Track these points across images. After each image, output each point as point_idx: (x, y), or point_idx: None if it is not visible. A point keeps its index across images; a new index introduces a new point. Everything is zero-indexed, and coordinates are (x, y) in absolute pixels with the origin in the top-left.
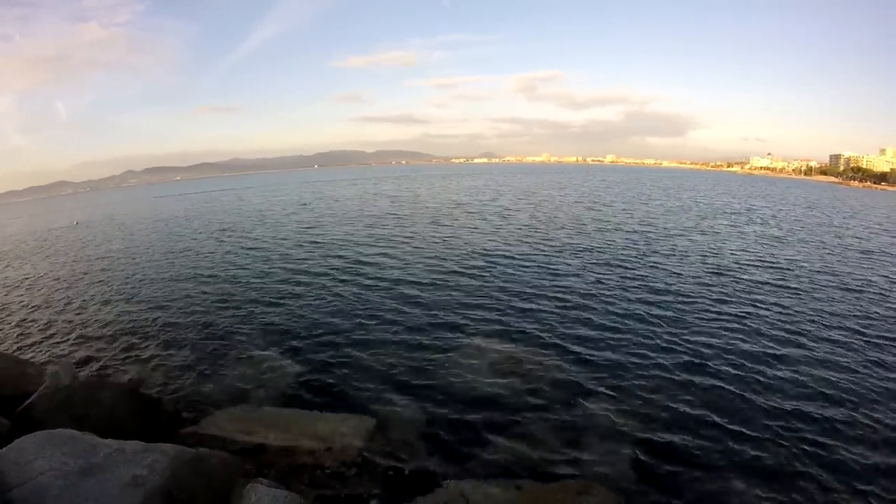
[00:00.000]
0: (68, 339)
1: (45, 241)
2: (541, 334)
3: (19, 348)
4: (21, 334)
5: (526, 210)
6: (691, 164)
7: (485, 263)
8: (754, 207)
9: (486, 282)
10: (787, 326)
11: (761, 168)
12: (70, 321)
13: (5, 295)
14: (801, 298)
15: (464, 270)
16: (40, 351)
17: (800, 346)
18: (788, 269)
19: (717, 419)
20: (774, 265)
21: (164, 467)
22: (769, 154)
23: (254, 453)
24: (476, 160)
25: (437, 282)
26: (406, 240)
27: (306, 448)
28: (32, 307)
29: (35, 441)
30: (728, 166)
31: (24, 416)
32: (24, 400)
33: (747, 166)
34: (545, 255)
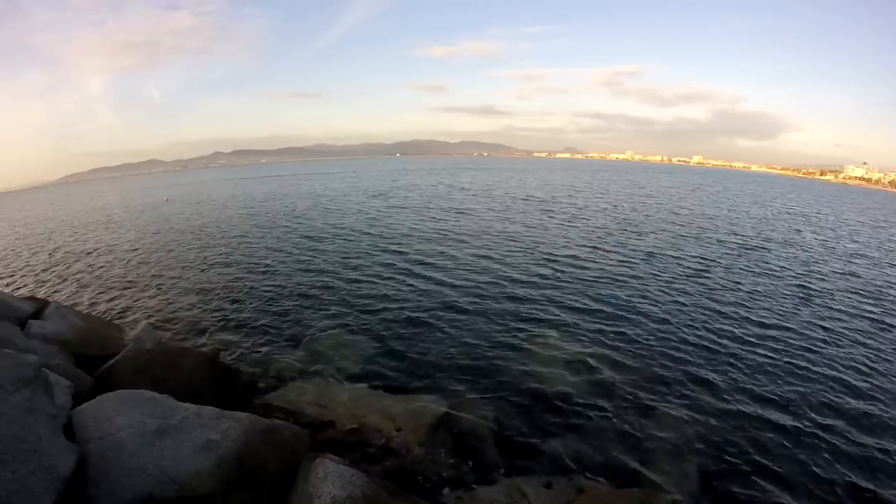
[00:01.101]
0: (153, 307)
1: (140, 215)
2: (617, 338)
3: (106, 311)
4: (109, 298)
5: (617, 208)
6: (781, 169)
7: (566, 262)
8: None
9: (565, 281)
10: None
11: (856, 178)
12: (156, 290)
13: (97, 260)
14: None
15: (544, 268)
16: (126, 315)
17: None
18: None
19: (797, 442)
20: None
21: (237, 435)
22: (865, 163)
23: (323, 428)
24: (558, 155)
25: (516, 277)
26: (488, 235)
27: (375, 427)
28: (122, 273)
29: (116, 398)
30: (821, 174)
31: (106, 376)
32: (107, 361)
33: (841, 175)
34: (629, 258)
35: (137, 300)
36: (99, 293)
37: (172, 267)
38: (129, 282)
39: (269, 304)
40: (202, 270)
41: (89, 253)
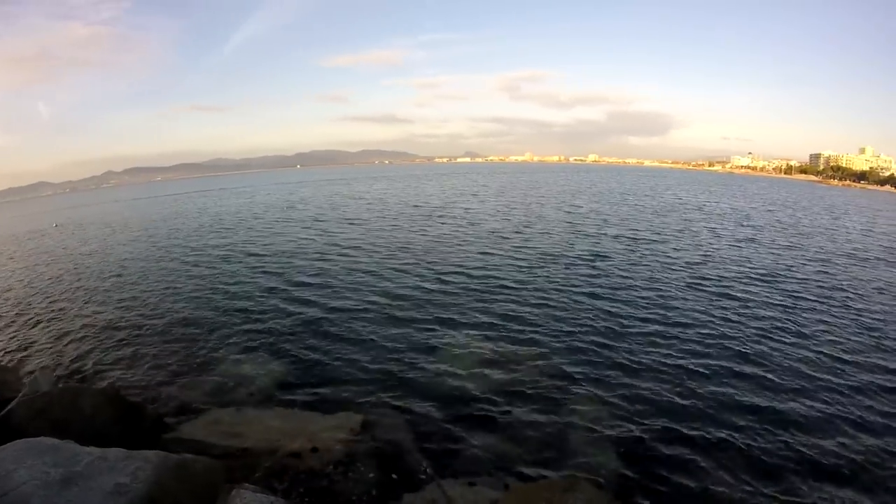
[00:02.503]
0: (47, 345)
1: (25, 243)
2: (524, 333)
3: None
4: None
5: (509, 209)
6: (672, 163)
7: (469, 263)
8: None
9: (470, 282)
10: (771, 318)
11: (742, 167)
12: (48, 326)
13: None
14: (775, 289)
15: (448, 271)
16: (19, 357)
17: (783, 337)
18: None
19: (703, 416)
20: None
21: (147, 475)
22: (750, 153)
23: (238, 457)
24: (459, 159)
25: (422, 282)
26: (395, 243)
27: (291, 449)
28: (8, 312)
29: (15, 450)
30: (709, 165)
31: (2, 424)
32: (2, 407)
33: (728, 165)
34: (530, 255)
35: (28, 340)
36: None
37: (64, 300)
38: (18, 320)
39: (169, 334)
40: (96, 302)
41: None
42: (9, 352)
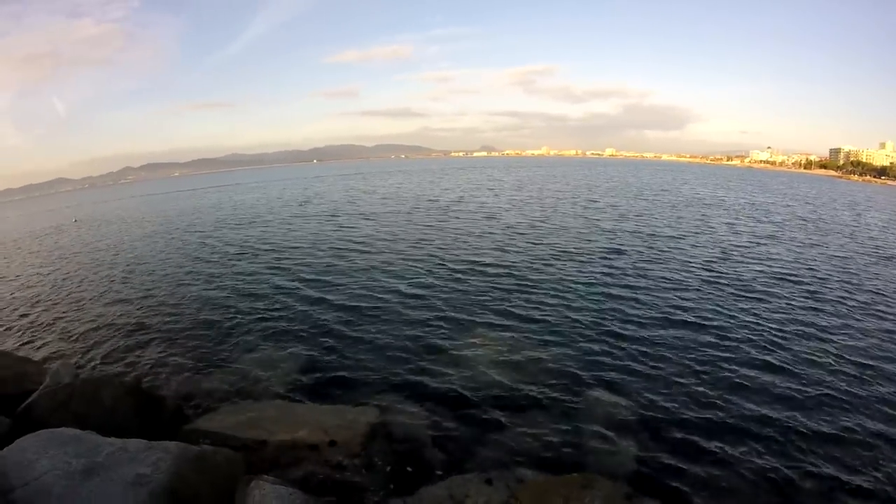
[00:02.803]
0: (69, 337)
1: (45, 239)
2: (541, 330)
3: (19, 346)
4: (21, 332)
5: (528, 204)
6: (690, 157)
7: (485, 259)
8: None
9: (486, 278)
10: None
11: (761, 162)
12: (70, 319)
13: (5, 293)
14: (796, 289)
15: (466, 267)
16: (41, 349)
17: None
18: (789, 264)
19: (720, 416)
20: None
21: (167, 466)
22: (769, 147)
23: (257, 449)
24: (476, 154)
25: (440, 278)
26: (408, 238)
27: (309, 442)
28: (32, 305)
29: (37, 440)
30: (728, 160)
31: (25, 415)
32: (24, 399)
33: (747, 160)
34: (546, 252)
35: (50, 332)
36: (7, 328)
37: (85, 294)
38: (40, 313)
39: (188, 327)
40: (116, 296)
41: None
42: (31, 343)
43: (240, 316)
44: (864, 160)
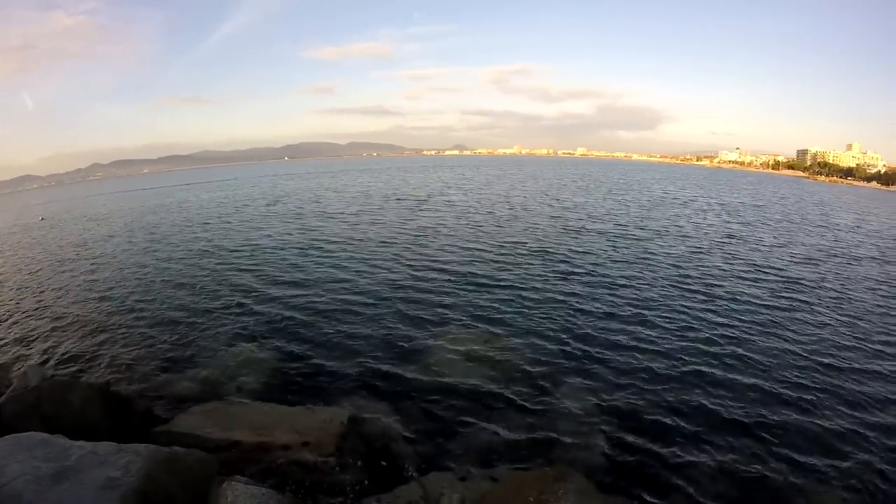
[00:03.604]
0: (35, 340)
1: (9, 237)
2: (514, 325)
3: None
4: None
5: (494, 203)
6: (661, 157)
7: (454, 258)
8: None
9: (456, 275)
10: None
11: (730, 162)
12: (36, 321)
13: None
14: (764, 287)
15: (433, 266)
16: (6, 352)
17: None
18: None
19: (691, 410)
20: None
21: (138, 468)
22: (738, 148)
23: (229, 450)
24: (447, 152)
25: (408, 277)
26: (379, 236)
27: (282, 443)
28: None
29: (5, 445)
30: (697, 160)
31: None
32: None
33: (716, 160)
34: (516, 250)
35: (16, 334)
36: None
37: (51, 295)
38: (5, 315)
39: (157, 328)
40: (82, 296)
41: None
42: None
43: (208, 316)
44: (830, 161)
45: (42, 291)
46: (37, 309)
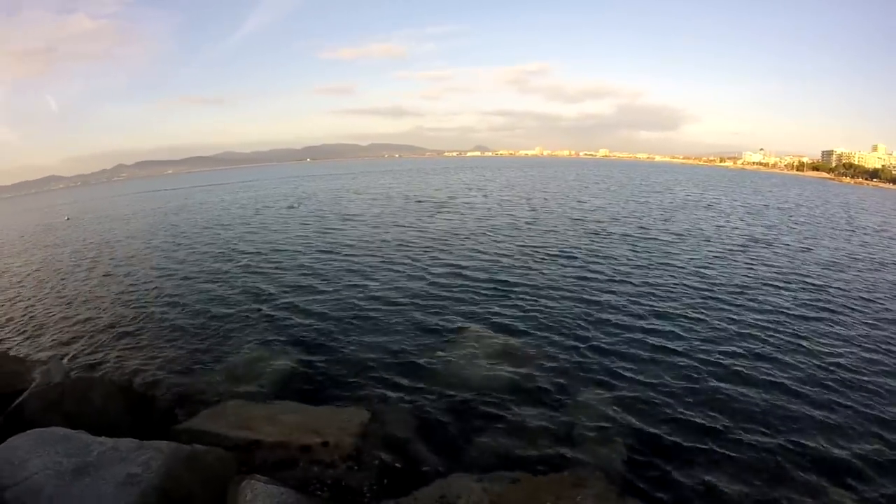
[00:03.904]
0: (59, 337)
1: (36, 237)
2: (536, 327)
3: (9, 346)
4: (10, 331)
5: (516, 205)
6: (683, 158)
7: (475, 261)
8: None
9: (481, 277)
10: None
11: (754, 163)
12: (61, 318)
13: None
14: (788, 292)
15: (455, 269)
16: (31, 348)
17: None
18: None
19: (713, 416)
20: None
21: (158, 465)
22: (761, 149)
23: (249, 449)
24: (469, 153)
25: (432, 276)
26: (399, 238)
27: (301, 442)
28: (22, 304)
29: (28, 440)
30: (721, 161)
31: (15, 415)
32: (14, 398)
33: (740, 161)
34: (536, 251)
35: (40, 331)
36: None
37: (75, 293)
38: (30, 311)
39: (179, 327)
40: (106, 295)
41: None
42: (21, 343)
43: (230, 317)
44: (856, 162)
45: (65, 291)
46: (60, 307)
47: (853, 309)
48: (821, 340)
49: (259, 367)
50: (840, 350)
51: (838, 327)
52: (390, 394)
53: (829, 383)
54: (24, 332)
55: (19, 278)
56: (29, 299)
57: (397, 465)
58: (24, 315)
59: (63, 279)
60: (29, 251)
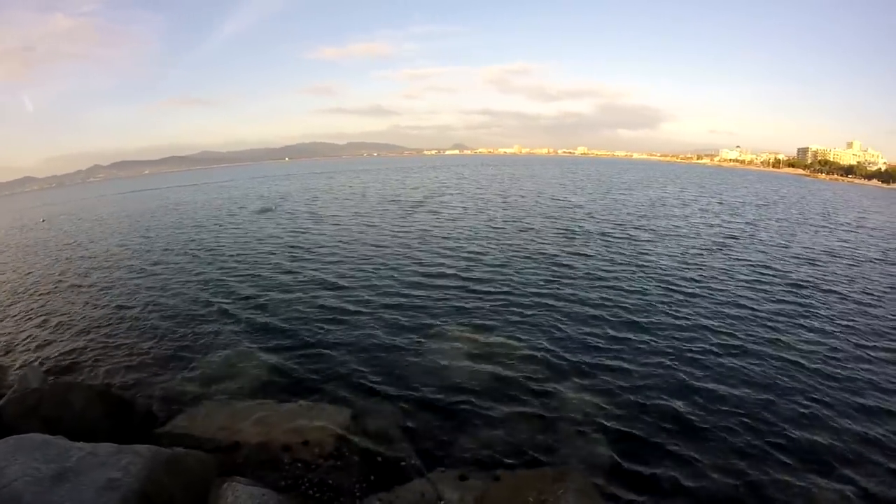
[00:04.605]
0: (36, 342)
1: (10, 239)
2: (513, 326)
3: None
4: None
5: (492, 203)
6: (661, 156)
7: (454, 260)
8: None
9: (459, 275)
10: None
11: (730, 160)
12: (36, 323)
13: None
14: (766, 285)
15: (432, 268)
16: (7, 354)
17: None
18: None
19: (691, 410)
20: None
21: (138, 469)
22: (738, 146)
23: (229, 450)
24: (448, 152)
25: (410, 276)
26: (376, 238)
27: (282, 442)
28: None
29: (6, 447)
30: (698, 158)
31: None
32: None
33: (717, 158)
34: (517, 248)
35: (17, 336)
36: None
37: (52, 297)
38: (5, 317)
39: (157, 330)
40: (83, 298)
41: None
42: None
43: (208, 318)
44: (831, 159)
45: (41, 294)
46: (36, 311)
47: (830, 304)
48: (796, 333)
49: (238, 368)
50: (817, 342)
51: (815, 321)
52: (370, 392)
53: (805, 375)
54: (0, 339)
55: None
56: (4, 305)
57: (379, 463)
58: None
59: (38, 284)
60: (4, 254)
